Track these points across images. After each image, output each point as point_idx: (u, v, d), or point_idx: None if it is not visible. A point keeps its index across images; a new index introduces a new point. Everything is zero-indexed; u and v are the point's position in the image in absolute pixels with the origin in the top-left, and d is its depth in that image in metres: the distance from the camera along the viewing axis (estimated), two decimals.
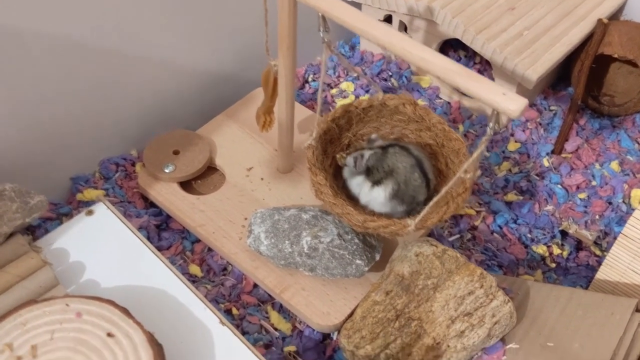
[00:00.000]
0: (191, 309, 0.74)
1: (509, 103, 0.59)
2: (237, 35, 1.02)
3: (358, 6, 1.13)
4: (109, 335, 0.66)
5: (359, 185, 0.81)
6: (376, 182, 0.80)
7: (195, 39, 0.97)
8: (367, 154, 0.79)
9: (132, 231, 0.81)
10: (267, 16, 0.75)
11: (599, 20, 1.04)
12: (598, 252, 0.98)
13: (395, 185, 0.79)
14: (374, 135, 0.82)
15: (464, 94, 1.12)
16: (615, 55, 1.02)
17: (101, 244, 0.79)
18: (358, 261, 0.78)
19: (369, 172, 0.80)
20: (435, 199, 0.71)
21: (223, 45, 1.01)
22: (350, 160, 0.80)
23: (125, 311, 0.68)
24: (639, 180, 0.97)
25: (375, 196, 0.80)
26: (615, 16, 1.11)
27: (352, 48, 1.20)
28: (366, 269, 0.78)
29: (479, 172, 0.78)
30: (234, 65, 1.04)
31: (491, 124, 0.63)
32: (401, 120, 0.86)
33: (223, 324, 0.73)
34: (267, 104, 0.85)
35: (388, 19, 1.13)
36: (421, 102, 1.08)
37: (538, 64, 0.97)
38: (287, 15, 0.71)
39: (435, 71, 0.62)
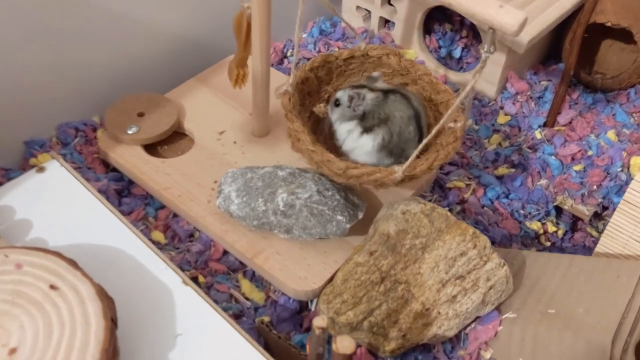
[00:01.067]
0: (151, 269, 0.66)
1: (506, 16, 0.53)
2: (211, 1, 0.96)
3: None
4: (52, 287, 0.57)
5: (349, 132, 0.74)
6: (367, 129, 0.73)
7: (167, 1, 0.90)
8: (369, 96, 0.72)
9: (88, 189, 0.73)
10: None
11: None
12: (595, 234, 0.92)
13: (387, 135, 0.72)
14: (376, 73, 0.74)
15: (450, 68, 1.06)
16: (609, 24, 0.97)
17: (52, 202, 0.71)
18: (339, 217, 0.70)
19: (363, 117, 0.72)
20: (425, 141, 0.64)
21: (197, 9, 0.95)
22: (344, 96, 0.72)
23: (73, 263, 0.60)
24: (638, 148, 0.91)
25: (363, 144, 0.73)
26: None
27: (334, 25, 1.14)
28: (348, 226, 0.71)
29: (470, 122, 0.72)
30: (208, 31, 0.98)
31: (486, 47, 0.57)
32: (385, 74, 0.80)
33: (186, 284, 0.65)
34: (240, 55, 0.78)
35: None
36: None
37: (530, 27, 0.91)
38: None
39: None
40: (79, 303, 0.56)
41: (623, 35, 1.04)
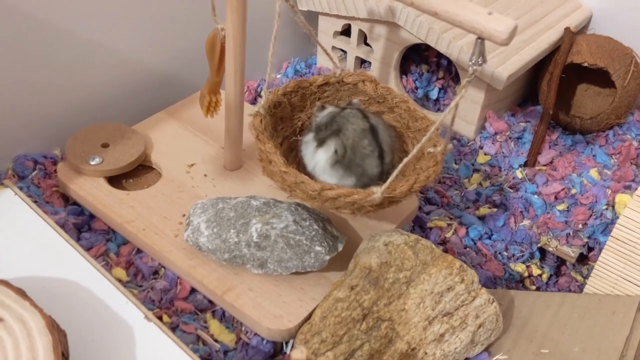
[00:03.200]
0: (109, 303, 0.60)
1: (495, 24, 0.51)
2: (183, 33, 0.93)
3: (315, 16, 1.06)
4: None
5: (306, 144, 0.71)
6: (321, 142, 0.70)
7: (137, 30, 0.87)
8: (328, 109, 0.69)
9: (43, 218, 0.67)
10: None
11: (567, 29, 0.99)
12: (579, 278, 0.88)
13: (340, 148, 0.69)
14: (356, 100, 0.72)
15: (427, 109, 1.04)
16: (585, 64, 0.97)
17: (3, 232, 0.65)
18: (318, 247, 0.65)
19: (318, 130, 0.69)
20: (405, 160, 0.60)
21: (168, 42, 0.92)
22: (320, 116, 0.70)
23: (21, 292, 0.53)
24: (622, 186, 0.88)
25: (319, 159, 0.70)
26: (581, 31, 1.08)
27: (309, 67, 1.12)
28: (327, 257, 0.66)
29: (450, 146, 0.69)
30: (178, 65, 0.94)
31: (474, 58, 0.54)
32: (362, 101, 0.76)
33: (149, 319, 0.59)
34: (212, 80, 0.74)
35: (346, 31, 1.06)
36: None
37: (508, 63, 0.90)
38: None
39: None
40: (25, 336, 0.50)
41: (598, 77, 1.04)
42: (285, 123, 0.75)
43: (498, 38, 0.50)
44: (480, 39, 0.52)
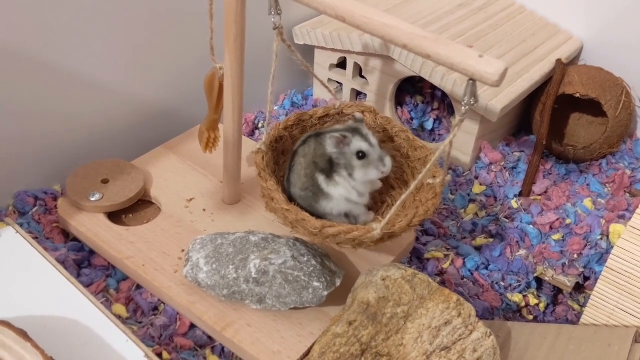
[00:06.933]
0: (110, 342, 0.60)
1: (486, 66, 0.52)
2: (181, 69, 0.94)
3: (311, 49, 1.08)
4: None
5: None
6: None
7: (136, 67, 0.88)
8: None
9: (44, 256, 0.68)
10: (212, 8, 0.68)
11: (558, 60, 1.01)
12: (576, 307, 0.89)
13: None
14: (359, 115, 0.73)
15: (422, 139, 1.06)
16: (577, 95, 0.98)
17: (5, 271, 0.66)
18: (316, 283, 0.66)
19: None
20: (403, 196, 0.61)
21: (166, 77, 0.93)
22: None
23: (23, 334, 0.54)
24: (616, 216, 0.89)
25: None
26: (572, 62, 1.10)
27: (306, 98, 1.14)
28: (325, 293, 0.66)
29: (449, 177, 0.70)
30: (177, 99, 0.96)
31: (466, 99, 0.55)
32: None
33: (149, 358, 0.59)
34: (211, 117, 0.75)
35: (342, 64, 1.08)
36: None
37: (501, 96, 0.92)
38: None
39: (401, 38, 0.55)
40: None
41: (590, 107, 1.06)
42: (287, 156, 0.77)
43: (489, 80, 0.52)
44: (472, 80, 0.54)
